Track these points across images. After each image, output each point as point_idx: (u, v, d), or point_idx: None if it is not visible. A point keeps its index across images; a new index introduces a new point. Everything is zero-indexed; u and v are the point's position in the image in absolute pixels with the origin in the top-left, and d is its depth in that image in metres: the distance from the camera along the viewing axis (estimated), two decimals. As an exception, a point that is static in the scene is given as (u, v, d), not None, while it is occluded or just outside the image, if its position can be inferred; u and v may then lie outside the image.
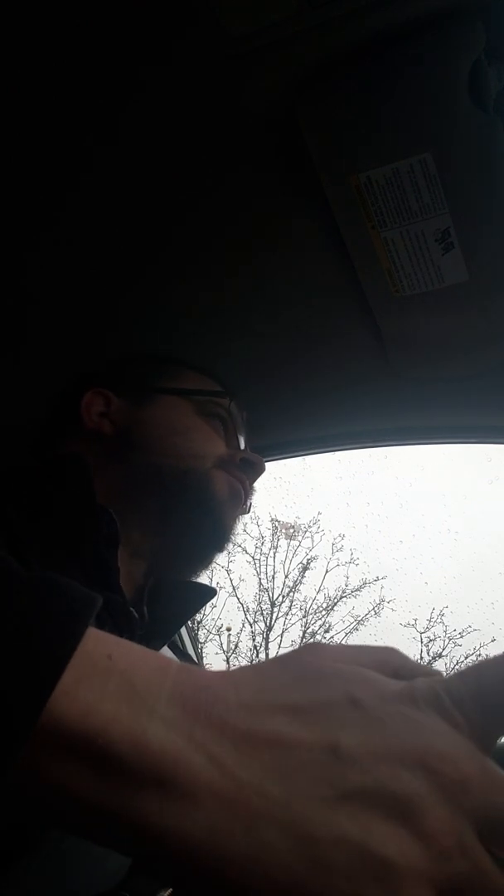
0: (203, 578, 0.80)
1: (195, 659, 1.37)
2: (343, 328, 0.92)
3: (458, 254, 0.73)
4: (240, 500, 0.76)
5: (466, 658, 6.75)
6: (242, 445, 0.81)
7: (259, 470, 0.80)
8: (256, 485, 0.82)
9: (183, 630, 1.28)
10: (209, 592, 0.78)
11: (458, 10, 0.58)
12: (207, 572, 0.84)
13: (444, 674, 0.30)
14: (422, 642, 6.95)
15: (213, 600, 0.79)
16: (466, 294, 0.78)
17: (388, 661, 0.30)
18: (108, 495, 0.67)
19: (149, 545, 0.71)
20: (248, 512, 0.84)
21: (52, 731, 0.24)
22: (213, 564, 0.79)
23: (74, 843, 0.47)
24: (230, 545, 0.77)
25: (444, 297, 0.79)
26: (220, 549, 0.76)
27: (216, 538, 0.75)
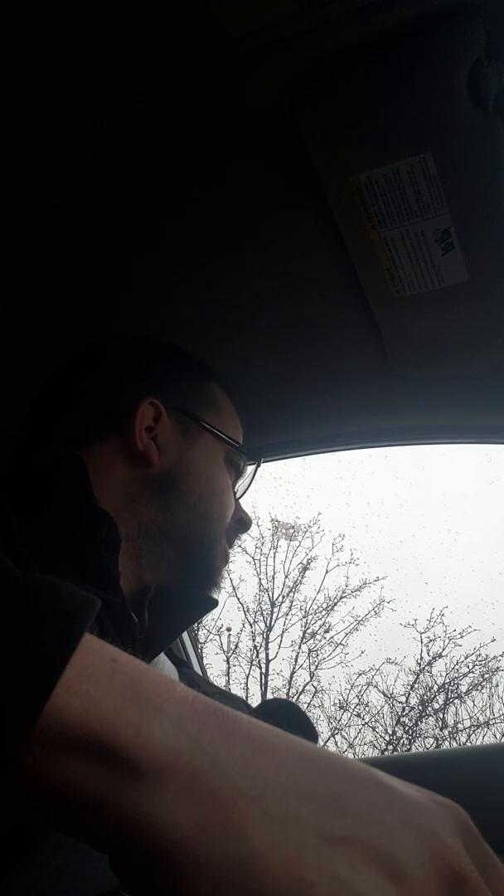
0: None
1: (195, 659, 1.37)
2: (343, 328, 0.92)
3: (458, 254, 0.73)
4: (226, 562, 0.78)
5: (466, 658, 6.75)
6: (238, 496, 0.82)
7: (247, 529, 0.82)
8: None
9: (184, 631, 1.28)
10: (210, 603, 0.78)
11: (458, 10, 0.58)
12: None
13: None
14: (422, 642, 6.95)
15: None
16: (466, 294, 0.78)
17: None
18: (137, 530, 0.67)
19: (153, 572, 0.71)
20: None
21: (53, 725, 0.24)
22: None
23: (75, 843, 0.47)
24: (218, 590, 0.79)
25: (444, 297, 0.79)
26: (210, 592, 0.79)
27: (209, 588, 0.77)
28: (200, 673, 1.38)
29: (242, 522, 0.80)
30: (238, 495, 0.82)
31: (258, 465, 0.82)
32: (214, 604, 0.79)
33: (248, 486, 0.84)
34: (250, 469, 0.85)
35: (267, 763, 0.25)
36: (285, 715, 0.84)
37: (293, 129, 0.67)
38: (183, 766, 0.24)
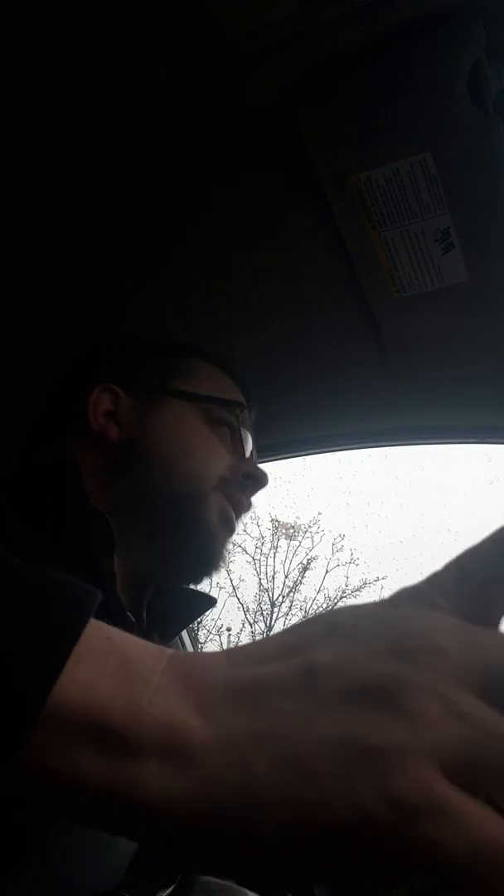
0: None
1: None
2: (343, 328, 0.92)
3: (458, 254, 0.73)
4: (231, 527, 0.73)
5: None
6: (248, 453, 0.78)
7: (262, 484, 0.77)
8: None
9: (183, 631, 1.28)
10: (209, 602, 0.78)
11: (458, 10, 0.58)
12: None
13: None
14: (422, 642, 6.95)
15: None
16: (466, 294, 0.78)
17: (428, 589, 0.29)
18: (111, 507, 0.65)
19: (146, 558, 0.70)
20: (249, 510, 0.82)
21: (53, 716, 0.24)
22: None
23: (74, 843, 0.47)
24: (220, 566, 0.75)
25: (444, 297, 0.79)
26: (208, 572, 0.74)
27: (205, 564, 0.73)
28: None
29: (251, 477, 0.75)
30: (248, 453, 0.78)
31: (243, 410, 0.77)
32: (213, 602, 0.79)
33: (247, 435, 0.78)
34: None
35: (246, 693, 0.25)
36: None
37: (293, 129, 0.67)
38: (178, 734, 0.24)
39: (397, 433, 1.13)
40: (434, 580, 0.27)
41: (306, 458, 1.25)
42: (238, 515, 0.75)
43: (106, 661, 0.25)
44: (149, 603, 0.73)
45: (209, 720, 0.24)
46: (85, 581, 0.27)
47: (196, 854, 0.25)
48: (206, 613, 0.81)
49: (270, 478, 0.78)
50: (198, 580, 0.76)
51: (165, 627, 0.74)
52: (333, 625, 0.26)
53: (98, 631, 0.26)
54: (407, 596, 0.27)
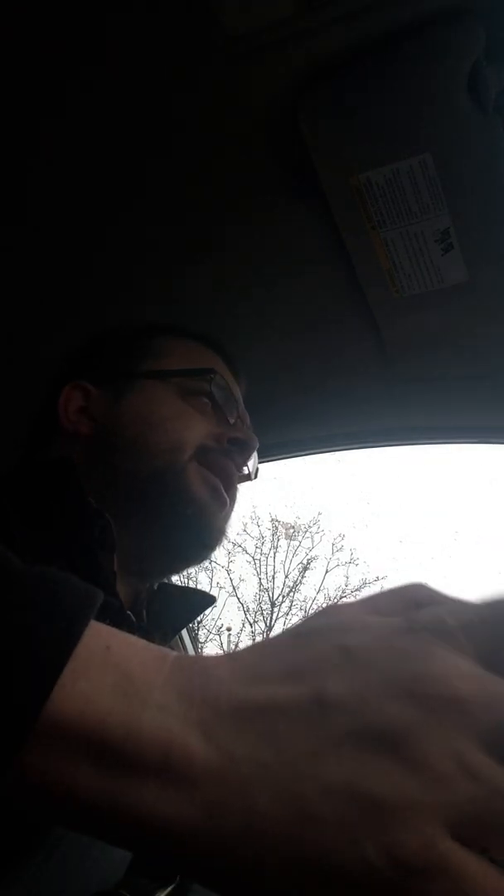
0: (203, 578, 0.78)
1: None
2: (343, 328, 0.92)
3: (457, 254, 0.73)
4: (220, 497, 0.70)
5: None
6: (233, 421, 0.75)
7: (249, 448, 0.73)
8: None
9: (183, 630, 1.28)
10: (209, 600, 0.77)
11: (457, 11, 0.58)
12: (207, 572, 0.82)
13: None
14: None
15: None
16: (466, 294, 0.78)
17: (410, 598, 0.29)
18: (100, 501, 0.64)
19: (138, 548, 0.68)
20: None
21: (50, 728, 0.23)
22: (213, 564, 0.76)
23: (73, 843, 0.47)
24: (221, 540, 0.72)
25: (444, 297, 0.79)
26: (209, 547, 0.72)
27: (200, 539, 0.71)
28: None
29: (237, 442, 0.72)
30: (232, 419, 0.75)
31: (215, 375, 0.74)
32: (213, 600, 0.78)
33: (231, 401, 0.76)
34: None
35: (253, 716, 0.24)
36: None
37: (293, 129, 0.67)
38: (177, 755, 0.24)
39: (397, 433, 1.13)
40: (459, 612, 0.26)
41: (306, 458, 1.24)
42: (228, 485, 0.72)
43: (104, 672, 0.25)
44: (148, 602, 0.73)
45: (212, 743, 0.24)
46: (85, 581, 0.27)
47: (193, 873, 0.24)
48: (207, 612, 0.80)
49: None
50: (199, 557, 0.74)
51: (165, 626, 0.73)
52: (347, 650, 0.25)
53: (97, 636, 0.26)
54: (429, 623, 0.26)
